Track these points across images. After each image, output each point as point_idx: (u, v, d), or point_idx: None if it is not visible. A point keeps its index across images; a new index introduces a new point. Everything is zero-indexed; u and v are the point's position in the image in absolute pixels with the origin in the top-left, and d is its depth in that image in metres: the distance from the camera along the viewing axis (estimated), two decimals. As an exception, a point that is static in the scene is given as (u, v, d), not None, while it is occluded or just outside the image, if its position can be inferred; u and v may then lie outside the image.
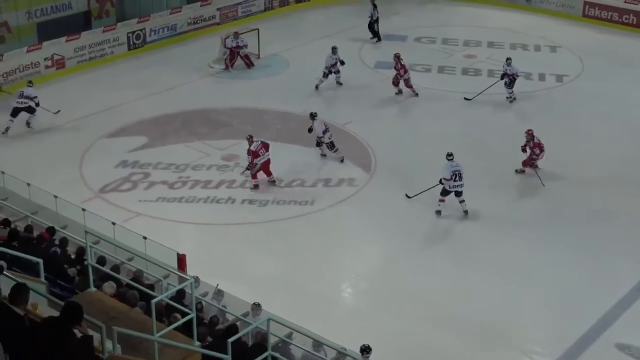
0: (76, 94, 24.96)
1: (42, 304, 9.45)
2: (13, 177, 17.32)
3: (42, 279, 11.19)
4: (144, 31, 28.64)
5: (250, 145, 19.73)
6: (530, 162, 20.40)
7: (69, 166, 20.50)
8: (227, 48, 27.13)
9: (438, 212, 18.69)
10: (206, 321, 12.80)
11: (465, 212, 18.57)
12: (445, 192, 18.57)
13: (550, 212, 18.95)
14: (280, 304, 14.33)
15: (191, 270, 14.40)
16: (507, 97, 24.73)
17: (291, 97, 24.83)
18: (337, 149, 20.99)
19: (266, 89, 25.72)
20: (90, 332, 8.34)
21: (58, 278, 12.74)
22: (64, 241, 14.68)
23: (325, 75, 25.32)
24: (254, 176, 19.78)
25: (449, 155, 18.64)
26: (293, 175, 20.29)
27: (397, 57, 24.70)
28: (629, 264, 17.27)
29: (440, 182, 18.41)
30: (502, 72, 24.96)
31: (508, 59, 24.96)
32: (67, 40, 26.54)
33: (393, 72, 24.96)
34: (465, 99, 24.79)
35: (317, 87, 25.37)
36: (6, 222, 15.03)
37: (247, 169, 19.91)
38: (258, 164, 19.70)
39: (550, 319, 15.31)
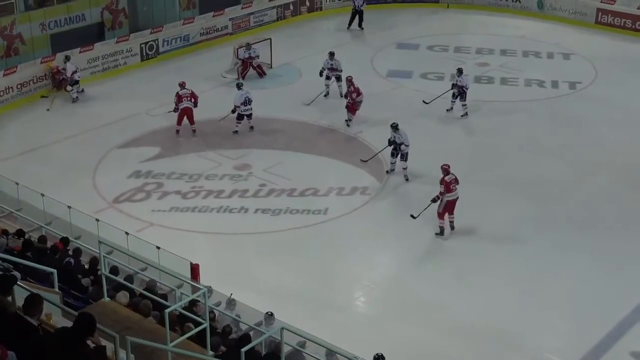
0: (89, 104, 25.05)
1: (56, 314, 9.46)
2: (27, 187, 17.42)
3: (56, 289, 11.23)
4: (156, 42, 28.75)
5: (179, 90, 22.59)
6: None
7: (83, 177, 20.58)
8: (240, 59, 27.21)
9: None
10: (219, 331, 12.80)
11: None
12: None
13: (565, 219, 18.84)
14: (293, 313, 14.29)
15: (204, 279, 14.43)
16: (462, 115, 23.99)
17: (304, 106, 24.83)
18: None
19: (279, 98, 25.75)
20: (104, 342, 8.35)
21: (72, 288, 12.79)
22: (78, 251, 14.73)
23: (323, 75, 25.51)
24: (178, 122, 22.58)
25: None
26: (306, 184, 20.28)
27: (350, 80, 23.26)
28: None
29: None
30: (453, 82, 24.31)
31: (459, 69, 24.37)
32: (80, 52, 26.66)
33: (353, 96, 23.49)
34: (423, 102, 24.66)
35: (326, 94, 25.53)
36: (20, 233, 15.13)
37: (174, 111, 22.69)
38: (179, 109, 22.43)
39: (565, 327, 15.24)
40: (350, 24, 32.22)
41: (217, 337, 11.54)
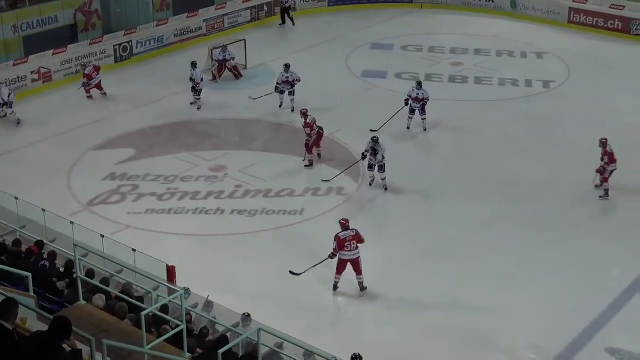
0: (63, 107, 24.91)
1: (31, 318, 9.42)
2: (1, 191, 17.26)
3: (31, 293, 11.17)
4: (130, 43, 28.64)
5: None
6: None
7: (58, 179, 20.46)
8: (215, 60, 27.17)
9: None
10: (196, 332, 12.77)
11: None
12: None
13: (540, 217, 18.97)
14: (270, 314, 14.27)
15: (181, 281, 14.37)
16: (424, 129, 23.30)
17: (278, 107, 24.81)
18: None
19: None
20: (80, 346, 8.32)
21: (47, 292, 12.72)
22: (53, 255, 14.64)
23: (278, 91, 24.54)
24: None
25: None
26: (282, 185, 20.28)
27: (304, 114, 21.72)
28: (618, 267, 17.36)
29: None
30: (406, 98, 23.16)
31: (418, 82, 23.58)
32: (53, 54, 26.52)
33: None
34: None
35: (280, 105, 24.80)
36: (-6, 237, 15.01)
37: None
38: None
39: (541, 325, 15.32)
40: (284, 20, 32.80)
41: (193, 339, 11.52)
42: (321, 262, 16.27)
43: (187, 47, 29.98)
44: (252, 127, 23.83)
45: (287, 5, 32.64)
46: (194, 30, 30.71)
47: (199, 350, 11.45)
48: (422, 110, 23.15)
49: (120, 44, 28.38)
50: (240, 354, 11.84)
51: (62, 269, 14.26)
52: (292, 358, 12.29)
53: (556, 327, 15.27)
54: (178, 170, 21.03)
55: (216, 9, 31.76)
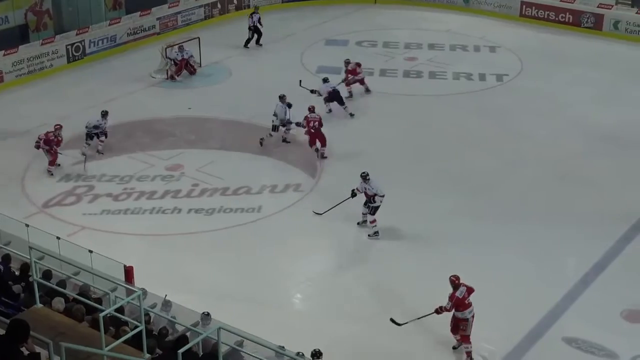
0: (16, 108, 24.60)
1: (-13, 323, 9.32)
2: (-47, 195, 17.06)
3: (-14, 298, 11.04)
4: (83, 43, 28.36)
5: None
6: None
7: (11, 181, 20.23)
8: (170, 59, 26.97)
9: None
10: (155, 333, 12.70)
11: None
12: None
13: (494, 210, 19.15)
14: (230, 312, 14.24)
15: (139, 282, 14.30)
16: (350, 114, 23.84)
17: (234, 105, 24.77)
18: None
19: (209, 97, 25.65)
20: (38, 349, 8.26)
21: (3, 295, 12.57)
22: (7, 258, 14.46)
23: (275, 129, 22.20)
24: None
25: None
26: (239, 182, 20.24)
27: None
28: (573, 258, 17.60)
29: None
30: (315, 90, 23.86)
31: (325, 79, 24.14)
32: (4, 55, 26.16)
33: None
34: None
35: (261, 142, 22.24)
36: (-53, 241, 14.80)
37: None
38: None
39: (498, 316, 15.44)
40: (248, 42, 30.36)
41: (153, 340, 11.46)
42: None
43: (141, 45, 29.77)
44: (208, 125, 23.74)
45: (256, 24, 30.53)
46: (147, 29, 30.49)
47: (158, 351, 11.39)
48: (340, 101, 23.81)
49: (73, 44, 28.08)
50: (200, 353, 11.80)
51: (17, 273, 14.10)
52: (252, 356, 12.27)
53: (513, 317, 15.42)
54: (134, 170, 20.88)
55: (169, 7, 31.54)
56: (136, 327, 10.24)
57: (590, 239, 18.00)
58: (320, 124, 21.28)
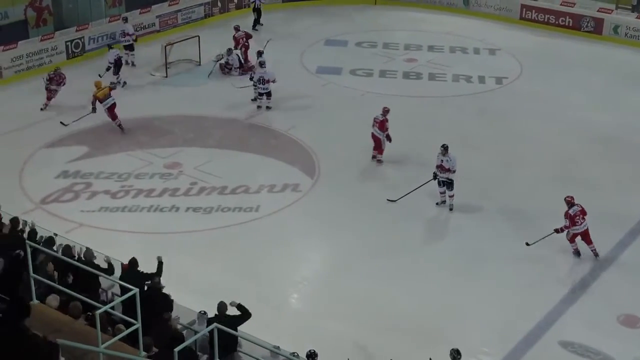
0: (15, 104, 24.57)
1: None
2: (-49, 189, 17.03)
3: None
4: (82, 39, 28.32)
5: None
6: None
7: (9, 177, 20.17)
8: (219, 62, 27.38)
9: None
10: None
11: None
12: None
13: (493, 212, 19.15)
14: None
15: (136, 280, 14.24)
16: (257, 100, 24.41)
17: (233, 103, 24.74)
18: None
19: (207, 95, 25.62)
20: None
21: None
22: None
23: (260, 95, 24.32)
24: None
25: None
26: (237, 181, 20.22)
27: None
28: (571, 261, 17.55)
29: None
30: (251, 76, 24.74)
31: (260, 61, 24.59)
32: (3, 50, 26.12)
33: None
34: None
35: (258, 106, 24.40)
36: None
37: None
38: None
39: (494, 319, 15.46)
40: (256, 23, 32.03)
41: (149, 338, 11.43)
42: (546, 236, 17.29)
43: (140, 43, 29.67)
44: (207, 123, 23.72)
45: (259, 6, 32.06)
46: (147, 27, 30.46)
47: (154, 349, 11.36)
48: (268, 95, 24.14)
49: (72, 40, 28.04)
50: (197, 352, 11.78)
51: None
52: (248, 355, 12.27)
53: (510, 320, 15.43)
54: (132, 167, 20.86)
55: (169, 5, 31.52)
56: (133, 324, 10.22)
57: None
58: (380, 126, 21.14)
